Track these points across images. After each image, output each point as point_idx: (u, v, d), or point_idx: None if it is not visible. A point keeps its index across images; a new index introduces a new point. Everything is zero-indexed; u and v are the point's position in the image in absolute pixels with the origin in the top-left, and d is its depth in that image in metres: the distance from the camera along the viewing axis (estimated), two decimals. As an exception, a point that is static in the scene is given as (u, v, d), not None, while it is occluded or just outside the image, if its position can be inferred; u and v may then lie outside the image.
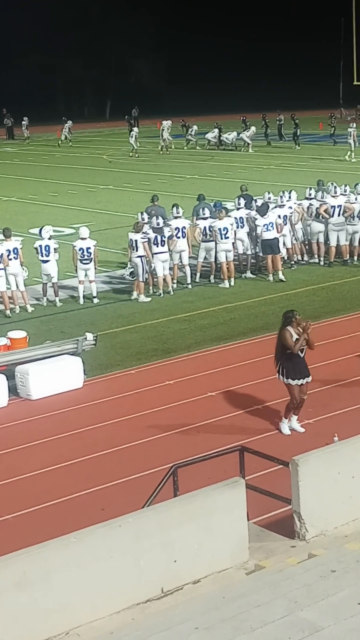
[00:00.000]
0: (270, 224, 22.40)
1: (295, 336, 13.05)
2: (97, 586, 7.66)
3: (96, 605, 7.66)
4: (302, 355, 13.19)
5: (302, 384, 13.25)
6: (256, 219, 22.70)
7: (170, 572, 8.06)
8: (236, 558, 8.51)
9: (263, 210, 22.73)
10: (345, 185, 24.42)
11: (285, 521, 9.37)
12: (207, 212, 22.85)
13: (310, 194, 24.48)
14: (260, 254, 23.10)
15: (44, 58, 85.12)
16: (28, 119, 66.06)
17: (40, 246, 21.18)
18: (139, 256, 21.23)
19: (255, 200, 23.88)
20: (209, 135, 56.40)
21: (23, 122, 65.82)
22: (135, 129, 55.12)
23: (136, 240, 21.26)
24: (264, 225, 22.42)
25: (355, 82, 63.60)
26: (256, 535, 9.07)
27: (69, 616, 7.51)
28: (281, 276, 22.64)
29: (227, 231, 22.21)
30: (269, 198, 24.42)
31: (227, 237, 22.20)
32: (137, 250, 21.25)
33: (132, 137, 53.53)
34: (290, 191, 24.69)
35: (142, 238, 21.29)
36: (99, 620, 7.61)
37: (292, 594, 7.42)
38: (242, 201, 23.34)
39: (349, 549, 8.42)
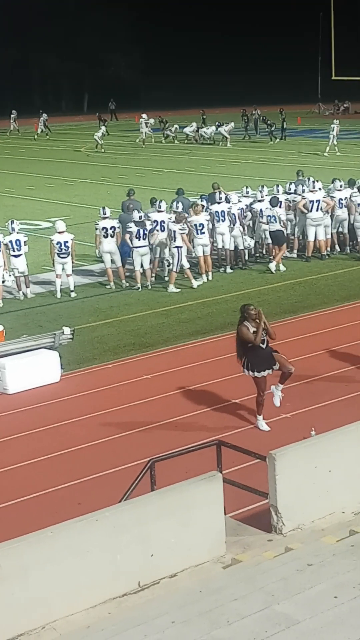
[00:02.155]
0: (273, 217, 22.50)
1: (252, 329, 13.03)
2: (74, 580, 7.64)
3: (73, 599, 7.64)
4: (264, 346, 13.14)
5: (268, 374, 13.20)
6: (261, 211, 22.88)
7: (147, 566, 8.06)
8: (213, 552, 8.51)
9: (273, 202, 22.87)
10: (318, 181, 24.39)
11: (262, 515, 9.38)
12: (180, 207, 22.84)
13: (289, 189, 24.53)
14: (268, 243, 23.54)
15: (19, 51, 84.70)
16: (17, 112, 65.81)
17: (11, 241, 21.09)
18: (176, 247, 21.37)
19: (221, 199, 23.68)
20: (187, 130, 56.39)
21: (12, 115, 65.54)
22: (103, 128, 55.08)
23: (175, 231, 21.43)
24: (268, 217, 22.58)
25: (333, 77, 63.73)
26: (233, 529, 9.07)
27: (45, 610, 7.48)
28: (281, 267, 22.82)
29: (203, 227, 22.20)
30: (247, 192, 24.43)
31: (203, 233, 22.20)
32: (175, 241, 21.39)
33: (99, 133, 53.42)
34: (277, 185, 24.78)
35: (180, 229, 21.42)
36: (76, 614, 7.59)
37: (269, 588, 7.43)
38: (218, 196, 23.36)
39: (326, 542, 8.44)
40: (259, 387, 13.26)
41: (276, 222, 22.62)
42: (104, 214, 21.90)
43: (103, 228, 21.78)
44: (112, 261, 21.91)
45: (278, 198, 23.32)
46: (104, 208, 22.10)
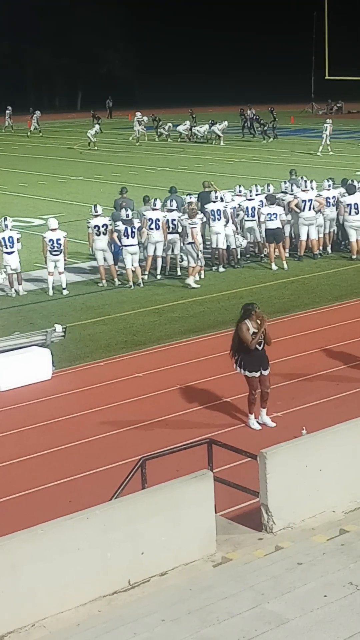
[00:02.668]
0: (274, 214, 22.56)
1: (252, 330, 13.05)
2: (64, 578, 7.63)
3: (63, 597, 7.64)
4: (260, 348, 13.17)
5: (259, 376, 13.23)
6: (260, 208, 22.91)
7: (138, 564, 8.06)
8: (203, 550, 8.52)
9: (271, 200, 22.93)
10: (312, 181, 24.47)
11: (252, 514, 9.39)
12: (174, 205, 22.84)
13: (284, 188, 24.56)
14: (258, 242, 23.66)
15: (12, 47, 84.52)
16: (12, 109, 65.70)
17: (4, 238, 21.07)
18: (189, 243, 21.51)
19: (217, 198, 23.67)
20: (181, 128, 56.37)
21: (7, 112, 65.45)
22: (97, 126, 55.05)
23: (184, 227, 21.60)
24: (267, 214, 22.63)
25: (327, 77, 63.76)
26: (223, 527, 9.08)
27: (35, 608, 7.48)
28: (284, 265, 22.84)
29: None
30: (240, 191, 24.44)
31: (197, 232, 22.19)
32: (187, 237, 21.52)
33: (92, 130, 53.37)
34: (269, 184, 24.81)
35: (190, 225, 21.53)
36: (66, 612, 7.59)
37: (259, 586, 7.43)
38: (214, 195, 23.37)
39: (316, 541, 8.45)
40: (251, 386, 13.28)
41: (275, 219, 22.65)
42: (96, 211, 21.88)
43: (95, 226, 21.78)
44: (105, 259, 21.90)
45: (275, 196, 23.34)
46: (95, 206, 22.09)
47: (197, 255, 21.61)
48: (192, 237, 21.47)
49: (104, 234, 21.74)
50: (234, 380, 14.83)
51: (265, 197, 23.32)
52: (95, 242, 21.80)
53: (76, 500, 10.83)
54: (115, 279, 21.96)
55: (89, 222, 22.07)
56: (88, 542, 7.75)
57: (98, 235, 21.73)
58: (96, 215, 21.85)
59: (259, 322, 13.06)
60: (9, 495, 11.60)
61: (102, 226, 21.74)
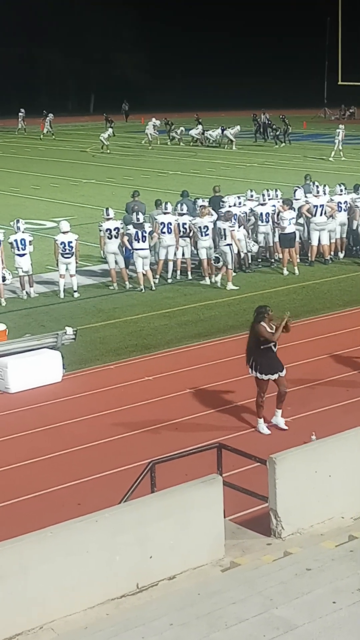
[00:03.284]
0: (292, 219, 22.54)
1: (270, 330, 13.09)
2: (72, 581, 7.64)
3: (71, 599, 7.64)
4: (275, 349, 13.20)
5: (276, 379, 13.25)
6: (281, 213, 22.93)
7: (146, 567, 8.06)
8: (212, 555, 8.51)
9: (288, 204, 23.06)
10: (325, 186, 24.49)
11: (261, 519, 9.38)
12: (184, 208, 22.87)
13: (296, 194, 24.54)
14: (270, 246, 23.76)
15: (26, 50, 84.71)
16: (25, 111, 65.87)
17: (16, 240, 21.10)
18: (227, 244, 21.63)
19: (224, 203, 23.67)
20: (193, 132, 56.40)
21: (20, 114, 65.60)
22: (110, 129, 55.13)
23: (224, 229, 21.68)
24: (283, 220, 22.68)
25: (339, 82, 63.71)
26: (232, 532, 9.08)
27: (43, 610, 7.48)
28: (296, 271, 22.87)
29: (208, 229, 22.24)
30: (252, 196, 24.43)
31: (207, 235, 22.24)
32: (225, 239, 21.64)
33: (105, 134, 53.43)
34: (276, 190, 24.82)
35: (230, 227, 21.75)
36: (74, 614, 7.59)
37: (268, 592, 7.43)
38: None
39: (325, 547, 8.44)
40: (260, 388, 13.28)
41: (290, 224, 22.66)
42: (108, 215, 21.91)
43: (107, 229, 21.80)
44: (116, 262, 21.92)
45: (292, 201, 23.36)
46: (107, 209, 22.11)
47: (234, 259, 21.94)
48: (230, 239, 21.72)
49: (116, 237, 21.77)
50: (244, 384, 14.84)
51: (284, 202, 23.34)
52: (106, 245, 21.83)
53: (85, 503, 10.84)
54: (127, 282, 21.98)
55: (101, 225, 22.10)
56: (97, 545, 7.75)
57: (110, 238, 21.76)
58: (108, 219, 21.87)
59: (272, 324, 13.09)
60: (19, 498, 11.61)
61: (114, 229, 21.77)
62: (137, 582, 7.99)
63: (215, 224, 22.47)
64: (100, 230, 22.09)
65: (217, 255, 22.32)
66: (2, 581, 7.24)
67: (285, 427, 13.40)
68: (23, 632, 7.34)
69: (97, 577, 7.77)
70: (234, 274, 22.98)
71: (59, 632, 7.37)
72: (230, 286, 21.82)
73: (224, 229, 21.75)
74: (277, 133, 54.30)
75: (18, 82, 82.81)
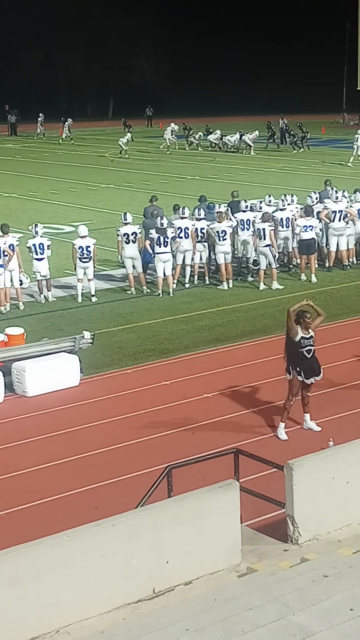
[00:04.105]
0: (310, 226, 22.58)
1: (301, 334, 13.09)
2: (89, 585, 7.64)
3: (87, 604, 7.64)
4: (309, 355, 13.18)
5: (310, 383, 13.26)
6: (297, 219, 23.03)
7: (162, 572, 8.05)
8: (228, 560, 8.49)
9: (309, 211, 23.01)
10: (344, 191, 24.46)
11: (278, 525, 9.35)
12: (202, 213, 22.87)
13: (314, 199, 24.48)
14: (288, 252, 23.77)
15: (45, 55, 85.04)
16: (44, 116, 66.12)
17: (35, 244, 21.15)
18: (267, 245, 21.86)
19: (247, 206, 23.67)
20: (211, 137, 56.41)
21: (39, 119, 65.86)
22: (129, 134, 55.23)
23: (264, 229, 21.92)
24: (304, 227, 22.64)
25: (359, 88, 63.64)
26: (249, 538, 9.05)
27: (59, 614, 7.49)
28: (313, 278, 22.80)
29: (226, 233, 22.23)
30: (270, 201, 24.41)
31: (225, 239, 22.23)
32: (264, 239, 21.85)
33: (124, 139, 53.53)
34: (293, 195, 24.80)
35: (270, 226, 22.01)
36: (90, 619, 7.59)
37: (284, 598, 7.41)
38: (244, 205, 23.40)
39: (342, 554, 8.41)
40: (292, 391, 13.24)
41: (311, 231, 22.64)
42: (125, 219, 21.94)
43: (125, 234, 21.83)
44: (134, 266, 21.94)
45: (313, 207, 23.32)
46: (125, 214, 22.14)
47: (275, 258, 22.21)
48: (270, 239, 21.91)
49: (134, 242, 21.79)
50: (262, 389, 14.82)
51: (303, 209, 23.32)
52: (124, 250, 21.85)
53: (102, 507, 10.84)
54: (144, 287, 21.99)
55: (119, 230, 22.12)
56: (113, 549, 7.75)
57: (127, 243, 21.78)
58: (126, 223, 21.89)
59: (309, 330, 13.11)
60: (36, 501, 11.62)
61: (132, 234, 21.79)
62: (154, 587, 7.99)
63: (235, 228, 22.52)
64: (118, 235, 22.11)
65: (255, 257, 22.43)
66: (19, 585, 7.25)
67: (319, 429, 13.38)
68: (39, 635, 7.34)
69: (114, 582, 7.77)
70: (251, 279, 23.01)
71: (75, 637, 7.37)
72: (275, 285, 22.11)
73: (263, 229, 21.92)
74: (295, 139, 54.28)
75: (37, 87, 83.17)
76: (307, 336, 13.18)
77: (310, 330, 13.21)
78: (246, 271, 23.28)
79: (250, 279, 23.03)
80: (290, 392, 13.30)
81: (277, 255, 23.12)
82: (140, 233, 22.04)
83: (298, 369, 13.20)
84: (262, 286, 22.11)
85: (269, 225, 22.07)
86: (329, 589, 7.54)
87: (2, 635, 7.20)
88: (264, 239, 21.93)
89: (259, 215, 23.15)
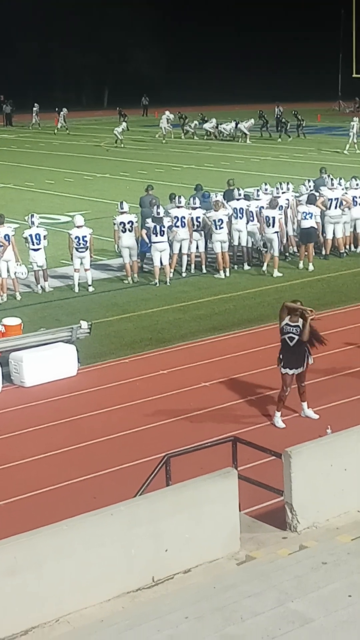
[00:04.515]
0: (310, 214, 22.58)
1: (285, 321, 13.11)
2: (88, 574, 7.65)
3: (87, 593, 7.65)
4: (291, 343, 13.15)
5: (298, 373, 13.26)
6: (298, 205, 23.14)
7: (161, 561, 8.06)
8: (227, 548, 8.51)
9: (311, 199, 23.09)
10: (340, 179, 24.43)
11: (276, 512, 9.37)
12: (197, 202, 22.84)
13: (309, 187, 24.48)
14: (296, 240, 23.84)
15: (40, 45, 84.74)
16: (39, 106, 65.93)
17: (31, 235, 21.11)
18: (275, 232, 21.95)
19: (240, 195, 23.63)
20: (207, 126, 56.29)
21: (34, 109, 65.67)
22: (124, 124, 55.07)
23: (273, 217, 21.93)
24: (303, 213, 22.65)
25: (354, 75, 63.44)
26: (247, 526, 9.07)
27: (59, 603, 7.50)
28: (310, 267, 22.76)
29: (222, 222, 22.22)
30: (266, 189, 24.37)
31: (222, 228, 22.21)
32: (273, 226, 21.91)
33: (119, 128, 53.39)
34: (288, 183, 24.78)
35: (279, 214, 22.11)
36: (90, 608, 7.60)
37: (283, 586, 7.42)
38: (237, 193, 23.37)
39: (340, 541, 8.42)
40: (284, 383, 13.27)
41: (311, 219, 22.63)
42: (122, 208, 21.92)
43: (121, 223, 21.80)
44: (130, 256, 21.93)
45: (315, 196, 23.30)
46: (121, 203, 22.12)
47: (280, 245, 22.45)
48: (278, 226, 22.04)
49: (130, 230, 21.77)
50: (259, 378, 14.83)
51: (306, 196, 23.35)
52: (121, 239, 21.83)
53: (101, 496, 10.85)
54: (135, 275, 21.95)
55: (115, 219, 22.09)
56: (112, 538, 7.76)
57: (124, 232, 21.76)
58: (122, 212, 21.87)
59: (299, 319, 13.10)
60: (35, 491, 11.64)
61: (128, 223, 21.77)
62: (153, 576, 8.00)
63: (230, 217, 22.51)
64: (115, 224, 22.09)
65: (263, 240, 22.54)
66: (18, 574, 7.26)
67: (317, 416, 13.41)
68: (39, 625, 7.36)
69: (113, 571, 7.78)
70: (248, 267, 23.02)
71: (75, 626, 7.38)
72: (276, 273, 22.16)
73: (273, 217, 21.98)
74: (287, 127, 54.22)
75: (33, 77, 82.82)
76: (293, 324, 13.13)
77: (298, 319, 13.13)
78: (243, 259, 23.28)
79: (247, 267, 23.03)
80: (283, 382, 13.31)
81: (284, 242, 23.14)
82: (136, 222, 22.01)
83: (281, 356, 13.22)
84: (264, 267, 22.35)
85: (279, 213, 22.17)
86: (328, 576, 7.56)
87: (2, 625, 7.22)
88: (273, 226, 21.99)
89: (254, 203, 23.13)
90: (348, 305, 19.70)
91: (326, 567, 7.76)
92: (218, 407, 14.17)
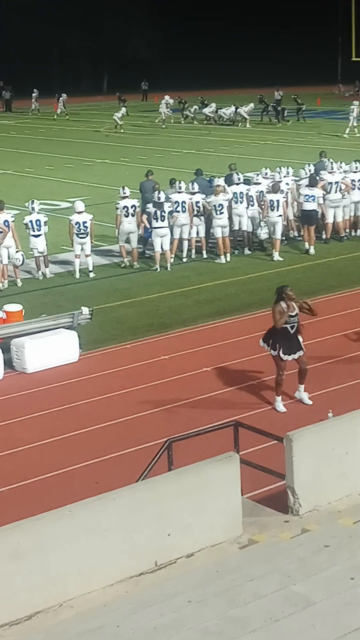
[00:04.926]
0: (312, 197, 22.59)
1: (283, 309, 13.09)
2: (91, 559, 7.67)
3: (90, 577, 7.68)
4: (292, 331, 13.20)
5: (296, 358, 13.29)
6: (300, 188, 23.20)
7: (164, 545, 8.09)
8: (230, 532, 8.53)
9: (312, 181, 23.02)
10: (340, 163, 24.40)
11: (279, 496, 9.39)
12: (196, 187, 22.81)
13: (310, 170, 24.44)
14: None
15: (39, 30, 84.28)
16: (38, 92, 65.74)
17: (31, 221, 21.09)
18: (279, 215, 22.13)
19: (240, 179, 23.57)
20: (207, 110, 56.15)
21: (33, 95, 65.50)
22: (124, 109, 54.89)
23: (278, 200, 22.07)
24: (305, 196, 22.66)
25: (353, 58, 63.18)
26: (250, 509, 9.09)
27: (62, 588, 7.53)
28: (311, 250, 22.76)
29: (222, 207, 22.19)
30: (266, 174, 24.33)
31: (222, 213, 22.18)
32: (277, 210, 22.03)
33: (118, 113, 53.25)
34: (288, 167, 24.75)
35: (283, 198, 22.30)
36: (93, 592, 7.63)
37: (286, 569, 7.45)
38: (236, 177, 23.35)
39: (342, 524, 8.45)
40: (280, 367, 13.28)
41: (313, 201, 22.61)
42: (124, 193, 21.93)
43: (124, 207, 21.79)
44: (129, 240, 21.92)
45: (317, 178, 23.26)
46: (123, 187, 22.13)
47: (282, 228, 22.60)
48: (282, 210, 22.19)
49: (132, 215, 21.79)
50: (261, 362, 14.84)
51: (307, 179, 23.33)
52: (122, 224, 21.82)
53: (103, 481, 10.88)
54: (135, 262, 21.93)
55: (118, 204, 22.03)
56: (115, 523, 7.78)
57: (127, 216, 21.75)
58: (124, 197, 21.87)
59: (292, 303, 13.10)
60: (37, 477, 11.67)
61: (131, 207, 21.79)
62: (156, 560, 8.03)
63: (230, 201, 22.48)
64: (117, 209, 22.05)
65: (266, 226, 22.57)
66: (22, 559, 7.29)
67: (310, 402, 13.43)
68: (43, 609, 7.39)
69: (116, 555, 7.81)
70: (248, 252, 23.02)
71: (78, 610, 7.41)
72: (276, 256, 22.25)
73: (277, 200, 22.10)
74: (284, 114, 54.19)
75: (31, 62, 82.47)
76: (292, 314, 13.19)
77: (294, 307, 13.17)
78: (244, 244, 23.26)
79: (247, 252, 23.03)
80: (278, 367, 13.33)
81: (263, 237, 23.08)
82: (138, 207, 22.00)
83: (278, 344, 13.22)
84: (276, 256, 22.34)
85: (282, 197, 22.22)
86: (330, 559, 7.59)
87: (5, 609, 7.25)
88: (277, 209, 22.06)
89: (254, 188, 23.10)
90: (349, 289, 19.69)
91: (328, 550, 7.79)
92: (220, 392, 14.20)
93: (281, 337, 13.22)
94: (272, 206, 22.08)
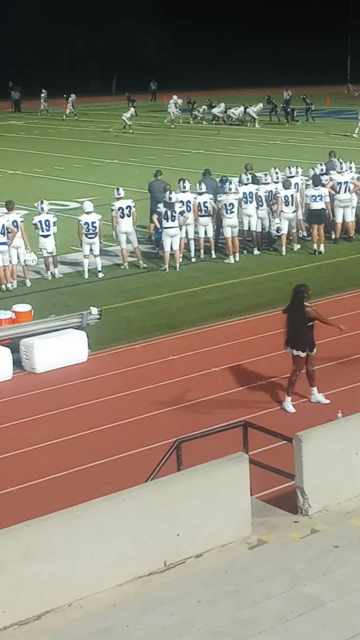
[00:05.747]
0: (319, 196, 22.59)
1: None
2: (100, 559, 7.68)
3: (99, 577, 7.69)
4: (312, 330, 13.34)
5: (305, 356, 13.30)
6: (307, 189, 23.18)
7: (173, 545, 8.09)
8: (239, 532, 8.53)
9: (317, 181, 22.98)
10: (350, 162, 24.37)
11: (288, 496, 9.39)
12: (203, 187, 22.77)
13: (322, 170, 24.39)
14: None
15: (48, 30, 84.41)
16: (47, 92, 65.82)
17: (40, 221, 21.11)
18: (294, 211, 22.46)
19: (248, 179, 23.54)
20: (216, 110, 56.11)
21: (42, 95, 65.59)
22: (132, 109, 54.87)
23: (292, 196, 22.38)
24: (312, 196, 22.67)
25: (363, 58, 63.23)
26: (259, 510, 9.09)
27: (72, 588, 7.54)
28: (321, 248, 22.77)
29: (233, 206, 22.15)
30: (276, 173, 24.30)
31: (233, 212, 22.15)
32: (292, 205, 22.38)
33: (127, 113, 53.26)
34: (297, 167, 24.71)
35: (296, 192, 22.64)
36: (102, 592, 7.64)
37: (295, 569, 7.44)
38: (245, 177, 23.33)
39: (352, 524, 8.44)
40: (298, 366, 13.27)
41: (320, 201, 22.58)
42: (119, 194, 21.94)
43: (119, 208, 21.76)
44: (128, 241, 21.89)
45: (321, 178, 23.23)
46: (117, 189, 22.17)
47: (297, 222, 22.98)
48: (295, 206, 22.46)
49: (128, 215, 21.72)
50: (269, 362, 14.83)
51: (313, 180, 23.30)
52: (119, 225, 21.77)
53: (112, 481, 10.88)
54: (141, 262, 21.92)
55: (113, 205, 22.03)
56: (124, 523, 7.79)
57: (122, 217, 21.71)
58: (119, 198, 21.86)
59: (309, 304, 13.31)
60: (46, 477, 11.67)
61: (126, 208, 21.75)
62: (165, 560, 8.03)
63: (239, 201, 22.46)
64: (112, 210, 22.00)
65: (278, 224, 22.54)
66: (31, 559, 7.30)
67: (327, 401, 13.42)
68: (52, 609, 7.40)
69: (125, 555, 7.81)
70: (257, 252, 22.99)
71: (88, 610, 7.42)
72: (296, 247, 22.91)
73: (292, 195, 22.35)
74: (293, 115, 54.13)
75: (40, 63, 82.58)
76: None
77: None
78: (253, 244, 23.24)
79: (256, 252, 23.00)
80: (297, 367, 13.31)
81: (277, 232, 23.05)
82: (134, 207, 21.97)
83: (299, 344, 13.24)
84: (284, 251, 22.44)
85: (295, 191, 22.47)
86: (340, 559, 7.58)
87: (15, 609, 7.26)
88: (291, 204, 22.29)
89: (263, 188, 23.06)
90: (357, 289, 19.65)
91: (338, 551, 7.78)
92: (228, 392, 14.18)
93: (305, 336, 13.23)
94: (287, 202, 22.24)
